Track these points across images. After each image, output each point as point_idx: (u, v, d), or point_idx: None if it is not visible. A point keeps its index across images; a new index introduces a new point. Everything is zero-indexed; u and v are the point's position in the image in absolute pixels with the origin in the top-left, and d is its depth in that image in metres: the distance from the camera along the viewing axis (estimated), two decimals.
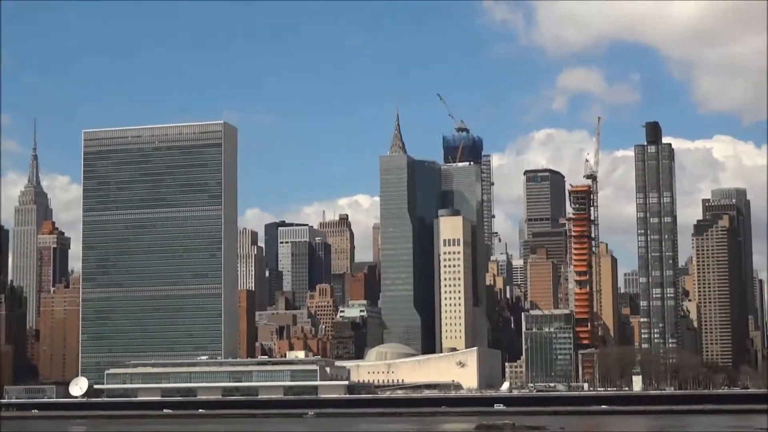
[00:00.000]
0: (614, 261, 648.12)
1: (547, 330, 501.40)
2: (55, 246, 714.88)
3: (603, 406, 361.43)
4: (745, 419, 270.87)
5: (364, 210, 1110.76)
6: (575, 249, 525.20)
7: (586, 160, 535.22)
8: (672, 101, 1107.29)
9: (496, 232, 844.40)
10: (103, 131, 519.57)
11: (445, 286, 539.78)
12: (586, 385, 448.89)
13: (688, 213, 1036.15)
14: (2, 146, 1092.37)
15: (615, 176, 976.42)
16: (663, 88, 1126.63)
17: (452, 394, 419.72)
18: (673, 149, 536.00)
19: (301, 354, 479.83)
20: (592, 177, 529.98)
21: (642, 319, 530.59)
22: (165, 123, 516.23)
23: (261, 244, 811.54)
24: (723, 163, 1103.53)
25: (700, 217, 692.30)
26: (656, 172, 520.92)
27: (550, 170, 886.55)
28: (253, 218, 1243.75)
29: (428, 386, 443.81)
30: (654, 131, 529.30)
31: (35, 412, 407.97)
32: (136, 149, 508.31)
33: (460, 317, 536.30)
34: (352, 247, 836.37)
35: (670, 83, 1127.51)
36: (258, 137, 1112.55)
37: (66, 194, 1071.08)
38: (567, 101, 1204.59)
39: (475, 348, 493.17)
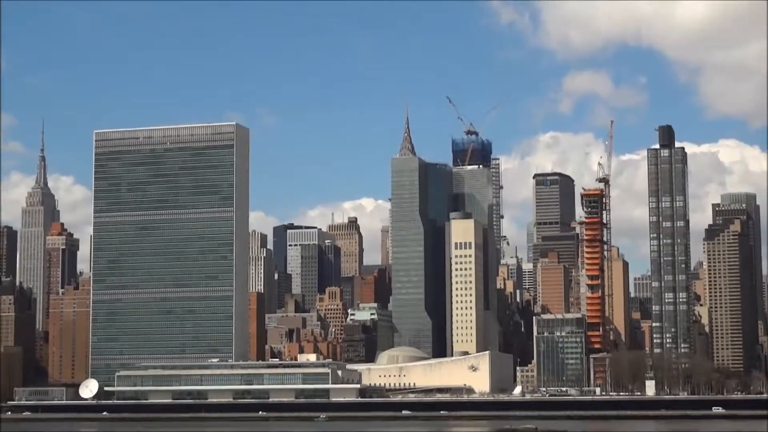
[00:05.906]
0: (626, 265, 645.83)
1: (558, 334, 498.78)
2: (63, 247, 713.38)
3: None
4: (759, 425, 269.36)
5: (368, 213, 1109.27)
6: (587, 253, 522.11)
7: (599, 164, 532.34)
8: (678, 104, 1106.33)
9: (505, 236, 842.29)
10: (114, 132, 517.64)
11: (457, 289, 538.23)
12: (598, 390, 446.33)
13: (696, 217, 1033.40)
14: (7, 147, 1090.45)
15: (621, 179, 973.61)
16: (669, 92, 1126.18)
17: (465, 398, 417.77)
18: (686, 153, 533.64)
19: (311, 357, 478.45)
20: (605, 180, 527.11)
21: (654, 324, 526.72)
22: (176, 124, 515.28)
23: (269, 246, 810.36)
24: (729, 168, 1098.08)
25: (708, 221, 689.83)
26: (669, 175, 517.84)
27: (559, 174, 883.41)
28: (256, 221, 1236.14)
29: (440, 390, 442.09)
30: (667, 135, 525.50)
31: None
32: (148, 150, 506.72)
33: (471, 321, 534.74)
34: (361, 250, 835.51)
35: (676, 86, 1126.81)
36: (262, 139, 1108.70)
37: (70, 195, 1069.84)
38: (573, 104, 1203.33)
39: (487, 352, 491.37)
